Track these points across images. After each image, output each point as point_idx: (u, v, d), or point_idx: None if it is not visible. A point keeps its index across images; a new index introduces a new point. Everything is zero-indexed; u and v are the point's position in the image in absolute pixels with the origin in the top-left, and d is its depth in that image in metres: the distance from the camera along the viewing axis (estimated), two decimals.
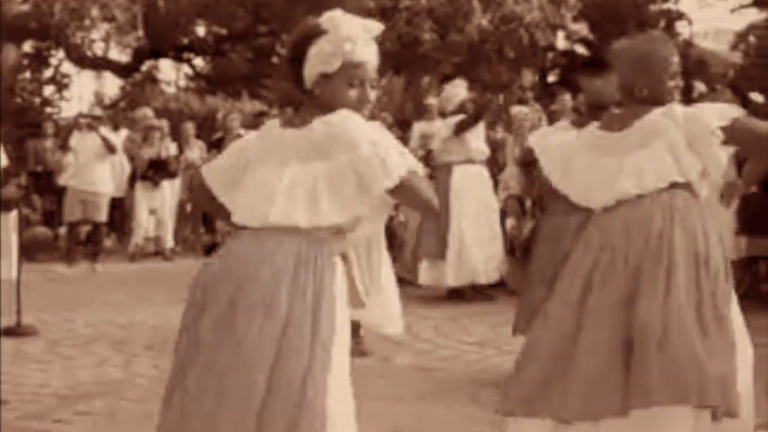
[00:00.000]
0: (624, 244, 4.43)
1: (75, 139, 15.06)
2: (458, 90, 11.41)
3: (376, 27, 3.94)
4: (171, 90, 29.82)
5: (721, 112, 4.57)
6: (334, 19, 3.83)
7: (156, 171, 15.58)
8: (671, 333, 4.22)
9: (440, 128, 11.68)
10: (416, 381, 7.60)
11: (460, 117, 11.27)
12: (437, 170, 11.44)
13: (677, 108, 4.60)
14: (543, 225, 7.65)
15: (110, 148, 14.56)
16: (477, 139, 11.38)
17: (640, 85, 4.66)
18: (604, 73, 7.29)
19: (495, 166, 13.30)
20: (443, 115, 11.86)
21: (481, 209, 11.25)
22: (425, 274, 11.28)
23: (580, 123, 7.65)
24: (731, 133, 4.47)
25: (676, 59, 4.72)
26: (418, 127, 15.45)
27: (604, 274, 4.42)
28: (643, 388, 4.18)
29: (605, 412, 4.25)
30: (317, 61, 3.82)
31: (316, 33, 3.82)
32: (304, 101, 3.92)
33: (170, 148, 16.06)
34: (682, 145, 4.50)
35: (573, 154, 4.86)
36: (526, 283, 7.96)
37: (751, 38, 32.42)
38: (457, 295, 11.28)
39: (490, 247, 11.15)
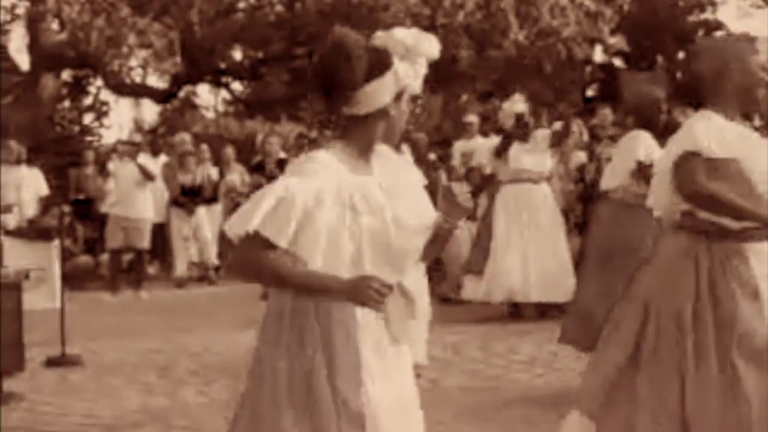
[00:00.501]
0: None
1: (114, 166, 15.08)
2: (515, 105, 11.21)
3: (436, 48, 3.74)
4: (210, 115, 29.94)
5: None
6: (400, 45, 3.60)
7: (190, 197, 15.52)
8: None
9: (490, 145, 11.79)
10: (465, 401, 7.52)
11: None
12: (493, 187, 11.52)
13: None
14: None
15: (147, 176, 14.55)
16: (527, 156, 11.06)
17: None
18: (650, 71, 7.27)
19: None
20: (502, 131, 11.67)
21: (533, 228, 11.01)
22: (472, 290, 11.16)
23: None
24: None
25: None
26: (459, 146, 15.43)
27: None
28: None
29: None
30: (380, 95, 3.55)
31: (385, 66, 3.55)
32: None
33: (211, 173, 16.03)
34: None
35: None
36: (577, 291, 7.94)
37: None
38: (517, 312, 11.16)
39: (536, 264, 10.90)
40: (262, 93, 27.35)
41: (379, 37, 3.61)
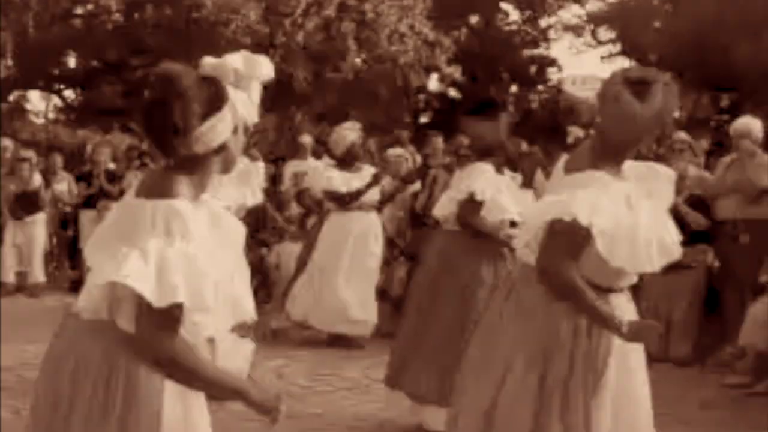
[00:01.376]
0: None
1: None
2: (347, 132, 11.07)
3: (270, 69, 3.57)
4: (40, 121, 29.32)
5: None
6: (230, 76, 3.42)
7: (23, 205, 15.15)
8: None
9: (322, 174, 11.34)
10: (289, 428, 7.45)
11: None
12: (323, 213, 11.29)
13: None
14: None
15: None
16: (357, 183, 10.93)
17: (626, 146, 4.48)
18: (488, 116, 7.33)
19: None
20: (332, 156, 11.51)
21: (359, 256, 10.86)
22: (303, 313, 10.93)
23: (461, 165, 7.68)
24: None
25: None
26: (291, 166, 15.37)
27: None
28: None
29: None
30: (219, 132, 3.35)
31: (221, 100, 3.34)
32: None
33: (36, 180, 15.62)
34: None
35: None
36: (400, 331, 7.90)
37: None
38: (338, 339, 10.92)
39: (361, 293, 10.81)
40: (95, 102, 26.96)
41: (209, 66, 3.42)
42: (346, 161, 10.98)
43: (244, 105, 3.40)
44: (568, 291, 4.34)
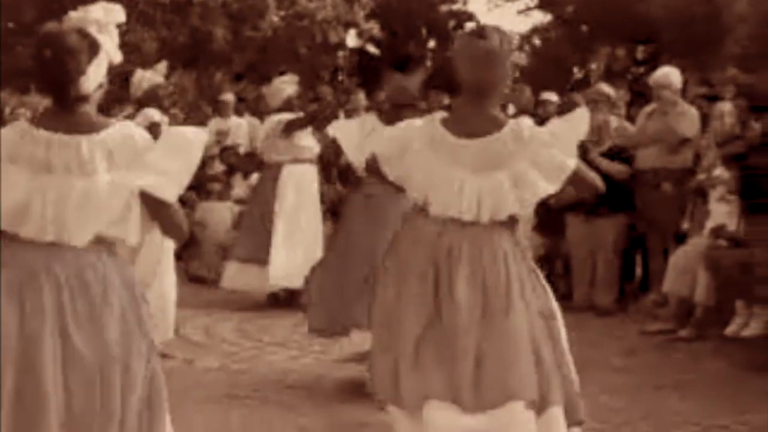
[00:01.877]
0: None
1: None
2: (286, 86, 10.90)
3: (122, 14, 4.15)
4: None
5: (570, 150, 4.70)
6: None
7: None
8: None
9: (267, 125, 10.86)
10: (222, 383, 7.49)
11: (287, 115, 10.57)
12: (264, 168, 10.92)
13: (526, 128, 4.63)
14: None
15: None
16: (306, 137, 10.71)
17: (489, 84, 4.67)
18: (409, 71, 7.43)
19: None
20: (268, 111, 11.23)
21: (309, 211, 10.61)
22: (234, 277, 10.63)
23: (387, 119, 7.72)
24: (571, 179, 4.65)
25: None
26: (214, 123, 15.32)
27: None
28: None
29: None
30: (99, 73, 4.04)
31: (97, 47, 4.01)
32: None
33: None
34: (527, 175, 4.56)
35: (411, 148, 4.74)
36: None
37: (536, 40, 33.28)
38: (275, 299, 10.72)
39: (313, 251, 10.10)
40: (10, 64, 26.52)
41: (77, 19, 4.00)
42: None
43: (109, 47, 4.05)
44: None
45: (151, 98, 9.17)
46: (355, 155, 7.63)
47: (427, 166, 4.65)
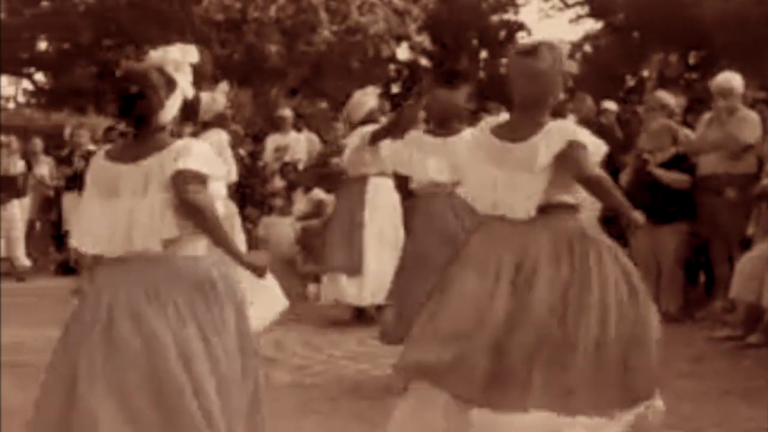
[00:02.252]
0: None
1: None
2: (368, 98, 10.72)
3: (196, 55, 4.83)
4: (10, 105, 29.19)
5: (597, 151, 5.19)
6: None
7: (3, 189, 15.14)
8: None
9: (354, 138, 10.46)
10: (294, 397, 7.53)
11: (372, 127, 10.32)
12: (350, 182, 10.57)
13: (556, 130, 5.06)
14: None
15: None
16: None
17: (538, 98, 5.10)
18: (455, 85, 7.66)
19: None
20: (351, 124, 10.92)
21: (395, 223, 10.34)
22: (331, 291, 10.42)
23: (434, 133, 7.95)
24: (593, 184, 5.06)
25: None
26: (273, 140, 15.40)
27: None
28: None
29: None
30: (174, 107, 4.71)
31: (174, 84, 4.69)
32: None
33: (18, 165, 15.60)
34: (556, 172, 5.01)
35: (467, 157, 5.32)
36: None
37: (587, 48, 33.17)
38: (362, 315, 10.55)
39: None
40: (67, 84, 26.83)
41: (156, 58, 4.72)
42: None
43: (184, 84, 4.72)
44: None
45: (220, 120, 9.30)
46: (406, 170, 7.89)
47: (477, 168, 5.18)
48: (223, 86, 10.08)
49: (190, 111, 4.97)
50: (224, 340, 4.55)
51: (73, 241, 4.74)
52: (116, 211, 4.53)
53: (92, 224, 4.60)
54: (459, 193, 5.47)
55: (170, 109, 4.67)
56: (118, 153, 4.68)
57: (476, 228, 5.30)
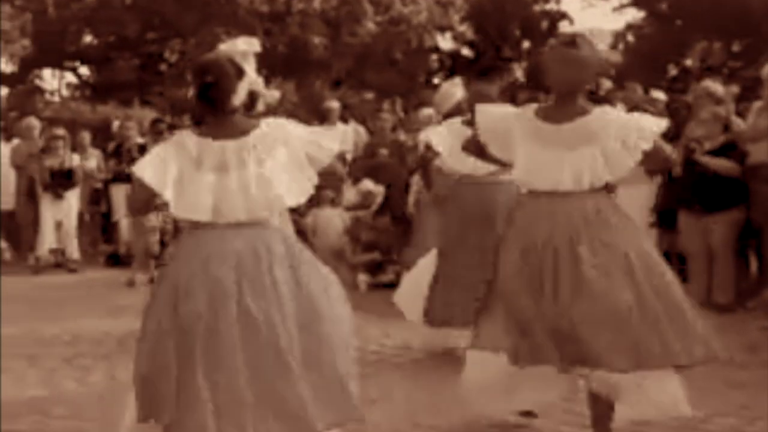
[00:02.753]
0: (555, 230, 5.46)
1: None
2: (456, 89, 10.51)
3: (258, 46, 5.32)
4: (55, 99, 29.38)
5: (651, 129, 5.52)
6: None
7: (59, 182, 15.28)
8: None
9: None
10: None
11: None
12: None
13: (611, 112, 5.71)
14: None
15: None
16: None
17: (578, 85, 5.60)
18: (490, 78, 7.85)
19: (404, 168, 13.37)
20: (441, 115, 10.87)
21: None
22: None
23: (471, 124, 7.97)
24: (649, 155, 5.49)
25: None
26: None
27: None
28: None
29: None
30: (243, 93, 5.13)
31: (242, 72, 5.09)
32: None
33: (72, 158, 15.71)
34: (614, 148, 5.45)
35: (514, 139, 5.72)
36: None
37: (630, 37, 33.05)
38: None
39: None
40: (112, 77, 26.99)
41: (225, 48, 5.19)
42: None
43: (250, 72, 5.14)
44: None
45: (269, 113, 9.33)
46: (448, 158, 7.95)
47: (529, 151, 5.59)
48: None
49: (252, 100, 5.38)
50: None
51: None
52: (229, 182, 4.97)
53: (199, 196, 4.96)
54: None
55: (240, 94, 5.09)
56: (207, 132, 5.09)
57: (518, 206, 5.77)
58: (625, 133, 5.45)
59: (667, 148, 5.65)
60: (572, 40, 5.58)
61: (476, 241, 7.75)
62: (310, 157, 5.08)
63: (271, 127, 5.09)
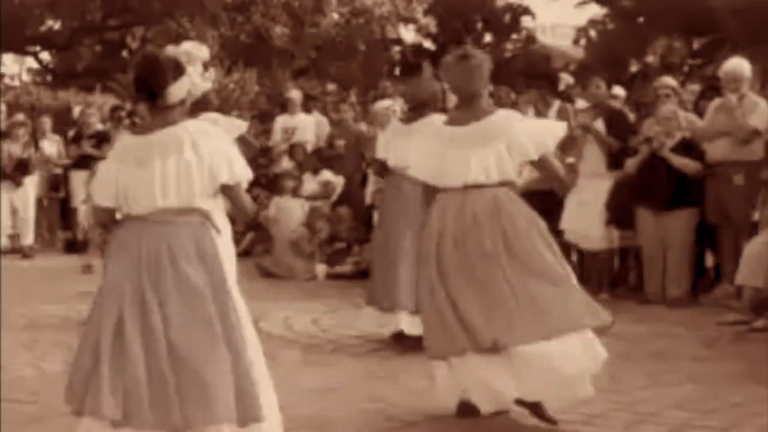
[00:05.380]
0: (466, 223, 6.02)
1: None
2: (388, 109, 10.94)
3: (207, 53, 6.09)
4: (15, 83, 29.18)
5: (554, 130, 6.25)
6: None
7: (19, 169, 15.18)
8: None
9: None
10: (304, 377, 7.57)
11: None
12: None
13: (516, 113, 6.47)
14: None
15: None
16: None
17: (475, 90, 6.21)
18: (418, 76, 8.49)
19: (362, 160, 13.41)
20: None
21: None
22: None
23: (406, 119, 8.25)
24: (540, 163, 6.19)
25: None
26: (281, 121, 15.42)
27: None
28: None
29: None
30: (180, 91, 5.20)
31: (181, 70, 5.22)
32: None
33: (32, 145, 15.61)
34: (521, 143, 6.06)
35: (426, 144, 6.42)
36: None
37: (592, 32, 33.15)
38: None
39: None
40: (73, 63, 26.87)
41: (171, 50, 5.60)
42: None
43: (194, 75, 5.55)
44: None
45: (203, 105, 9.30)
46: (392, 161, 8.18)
47: (435, 152, 6.20)
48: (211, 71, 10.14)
49: (201, 103, 5.77)
50: None
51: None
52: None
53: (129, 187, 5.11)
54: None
55: (176, 92, 5.16)
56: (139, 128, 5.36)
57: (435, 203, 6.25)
58: (531, 129, 6.19)
59: (556, 164, 6.34)
60: (464, 54, 6.29)
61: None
62: (212, 169, 5.05)
63: (189, 129, 5.12)
